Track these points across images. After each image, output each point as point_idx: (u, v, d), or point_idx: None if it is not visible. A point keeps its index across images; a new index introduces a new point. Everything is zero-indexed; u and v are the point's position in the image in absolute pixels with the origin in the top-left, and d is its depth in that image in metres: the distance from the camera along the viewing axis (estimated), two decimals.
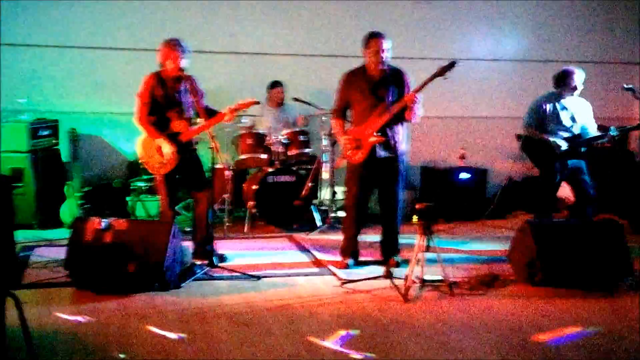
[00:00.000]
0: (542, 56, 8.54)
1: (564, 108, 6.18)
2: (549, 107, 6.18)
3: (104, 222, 4.84)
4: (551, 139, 6.11)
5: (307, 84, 7.64)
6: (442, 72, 5.12)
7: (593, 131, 6.26)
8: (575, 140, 6.16)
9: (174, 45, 5.23)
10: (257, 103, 5.53)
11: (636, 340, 4.03)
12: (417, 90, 5.18)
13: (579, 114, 6.22)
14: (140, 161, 5.58)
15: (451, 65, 5.10)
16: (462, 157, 7.89)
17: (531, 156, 6.47)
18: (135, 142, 5.43)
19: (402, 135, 5.24)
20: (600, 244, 4.99)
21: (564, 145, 6.08)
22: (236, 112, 5.39)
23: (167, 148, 5.23)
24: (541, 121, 6.19)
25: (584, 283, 4.92)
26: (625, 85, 5.88)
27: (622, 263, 5.03)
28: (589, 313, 4.48)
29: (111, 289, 4.68)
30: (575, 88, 6.13)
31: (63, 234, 6.24)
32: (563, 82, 6.16)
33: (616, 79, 7.73)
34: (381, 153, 5.36)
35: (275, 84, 7.49)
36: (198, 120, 5.42)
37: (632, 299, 4.80)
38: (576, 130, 6.20)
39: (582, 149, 6.20)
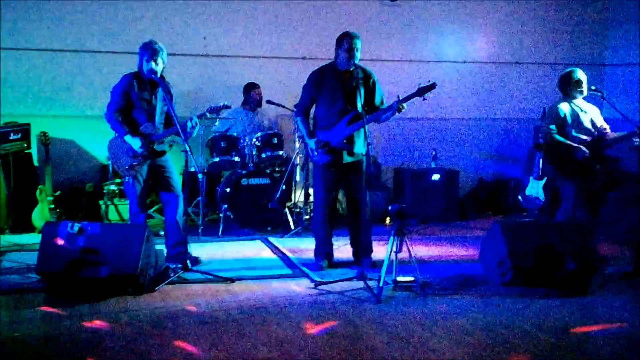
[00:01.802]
0: (511, 58, 8.67)
1: (582, 110, 6.02)
2: (567, 110, 5.98)
3: (76, 226, 4.81)
4: (574, 144, 5.90)
5: (279, 87, 7.66)
6: (421, 92, 5.15)
7: (610, 133, 6.09)
8: (599, 144, 5.96)
9: (148, 48, 5.23)
10: (228, 107, 5.53)
11: (603, 338, 4.12)
12: (400, 102, 5.20)
13: (596, 118, 6.07)
14: (109, 162, 5.56)
15: (431, 86, 5.14)
16: (434, 158, 7.96)
17: (556, 165, 6.19)
18: (108, 143, 5.42)
19: (367, 138, 5.28)
20: (569, 244, 5.08)
21: (586, 150, 5.86)
22: (203, 117, 5.38)
23: (136, 145, 5.21)
24: (561, 126, 5.99)
25: (553, 282, 5.01)
26: (591, 88, 5.94)
27: (590, 262, 5.12)
28: (559, 311, 4.56)
29: (84, 293, 4.65)
30: (580, 82, 5.95)
31: (34, 238, 6.18)
32: (568, 82, 6.00)
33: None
34: (348, 158, 5.42)
35: (254, 86, 7.48)
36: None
37: (600, 297, 4.90)
38: (597, 133, 6.02)
39: (605, 152, 6.00)
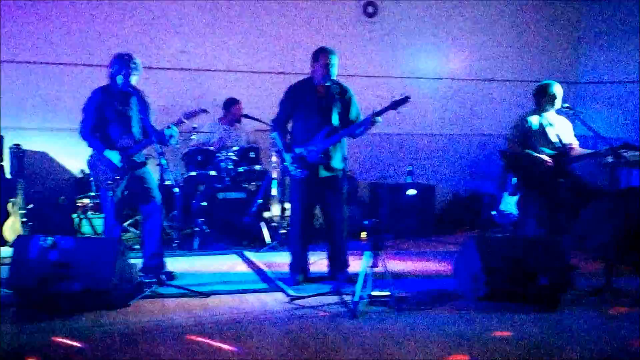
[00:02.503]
0: (486, 75, 8.78)
1: (550, 124, 6.11)
2: (534, 121, 6.08)
3: (48, 240, 4.76)
4: (534, 154, 6.00)
5: (256, 101, 7.65)
6: (395, 105, 5.18)
7: (578, 149, 6.20)
8: (563, 159, 6.07)
9: (126, 61, 5.21)
10: (206, 111, 5.51)
11: (576, 352, 4.17)
12: (374, 115, 5.24)
13: (563, 133, 6.16)
14: (84, 176, 5.52)
15: (404, 100, 5.17)
16: (410, 173, 8.01)
17: (517, 174, 6.28)
18: (86, 159, 5.39)
19: (343, 152, 5.30)
20: (542, 260, 5.13)
21: (549, 162, 5.96)
22: (181, 124, 5.37)
23: (116, 159, 5.19)
24: (525, 137, 6.09)
25: (526, 297, 5.06)
26: (564, 105, 6.03)
27: (563, 277, 5.18)
28: (531, 326, 4.60)
29: (56, 308, 4.59)
30: (555, 97, 6.04)
31: (6, 252, 6.08)
32: (544, 93, 6.09)
33: None
34: (324, 173, 5.43)
35: (235, 101, 7.47)
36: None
37: (571, 312, 4.96)
38: (562, 147, 6.12)
39: (569, 166, 6.10)
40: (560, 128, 6.18)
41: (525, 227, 6.34)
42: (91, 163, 5.37)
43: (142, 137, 5.39)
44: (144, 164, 5.40)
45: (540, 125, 6.11)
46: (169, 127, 5.23)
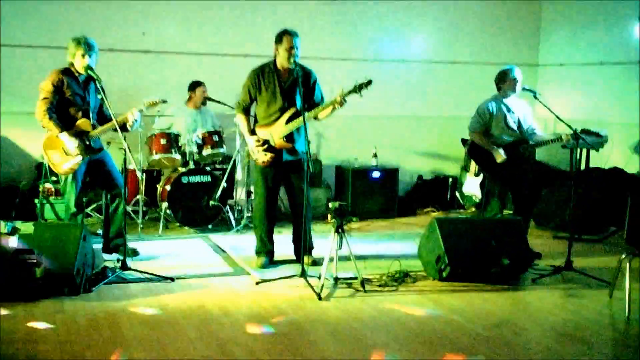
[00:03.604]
0: (447, 58, 8.82)
1: (509, 110, 6.18)
2: (495, 107, 6.15)
3: (9, 226, 4.68)
4: (493, 150, 6.10)
5: (219, 84, 7.58)
6: (358, 89, 5.17)
7: (540, 133, 6.32)
8: (523, 145, 6.18)
9: (80, 43, 5.14)
10: (164, 102, 5.48)
11: (538, 330, 4.26)
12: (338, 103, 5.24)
13: (524, 118, 6.25)
14: (45, 161, 5.45)
15: (368, 83, 5.15)
16: (374, 155, 8.05)
17: (477, 162, 6.44)
18: (41, 141, 5.30)
19: (307, 136, 5.28)
20: (504, 240, 5.22)
21: (504, 155, 6.04)
22: (141, 109, 5.32)
23: (71, 144, 5.12)
24: (487, 124, 6.18)
25: (489, 277, 5.15)
26: (525, 87, 6.11)
27: (523, 258, 5.29)
28: (493, 305, 4.69)
29: (18, 295, 4.52)
30: (515, 81, 6.11)
31: None
32: (504, 79, 6.15)
33: None
34: (288, 157, 5.44)
35: (199, 84, 7.39)
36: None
37: (532, 291, 5.07)
38: (522, 134, 6.22)
39: (527, 153, 6.23)
40: (521, 112, 6.26)
41: (489, 208, 6.44)
42: (46, 146, 5.30)
43: (100, 122, 5.34)
44: (101, 149, 5.34)
45: (501, 111, 6.19)
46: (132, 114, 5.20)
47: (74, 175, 5.27)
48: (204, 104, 7.44)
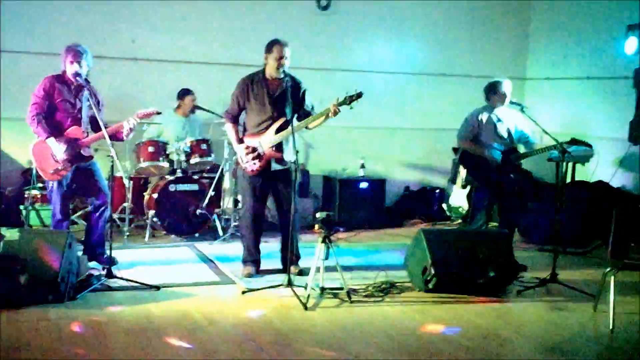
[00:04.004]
0: (436, 70, 8.88)
1: (499, 120, 6.20)
2: (485, 117, 6.17)
3: None
4: (486, 152, 6.13)
5: (208, 92, 7.59)
6: (348, 101, 5.18)
7: (533, 138, 6.35)
8: (510, 156, 6.20)
9: (68, 50, 5.14)
10: (159, 113, 5.48)
11: (523, 343, 4.28)
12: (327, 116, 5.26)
13: (514, 127, 6.27)
14: (33, 167, 5.44)
15: (358, 95, 5.17)
16: (362, 166, 8.08)
17: (469, 169, 6.45)
18: (29, 147, 5.28)
19: (295, 146, 5.28)
20: (490, 252, 5.24)
21: (498, 159, 6.09)
22: (134, 122, 5.31)
23: (59, 150, 5.11)
24: (477, 133, 6.20)
25: (474, 289, 5.16)
26: (512, 100, 6.15)
27: (509, 270, 5.31)
28: (478, 317, 4.71)
29: (1, 302, 4.47)
30: (505, 95, 6.13)
31: None
32: (493, 92, 6.18)
33: None
34: (276, 166, 5.44)
35: (188, 92, 7.39)
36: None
37: (517, 303, 5.09)
38: (512, 142, 6.24)
39: (518, 162, 6.25)
40: (511, 122, 6.30)
41: (475, 220, 6.46)
42: (34, 151, 5.28)
43: (92, 131, 5.33)
44: (91, 157, 5.33)
45: (490, 120, 6.22)
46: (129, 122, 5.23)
47: (60, 182, 5.24)
48: (192, 112, 7.44)
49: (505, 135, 6.24)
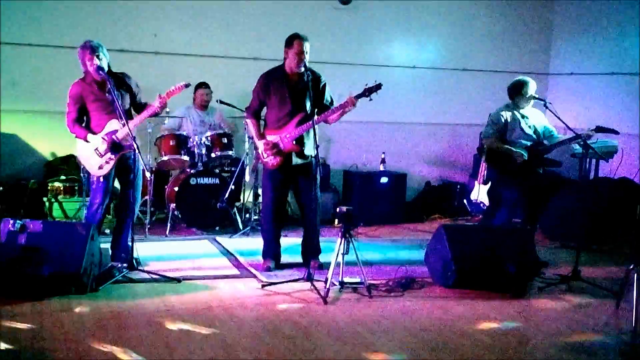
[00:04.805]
0: (458, 65, 8.83)
1: (523, 117, 6.18)
2: (508, 115, 6.14)
3: (17, 224, 4.71)
4: (513, 149, 6.09)
5: (229, 87, 7.62)
6: (368, 92, 5.19)
7: (557, 133, 6.31)
8: (538, 148, 6.16)
9: (84, 48, 5.18)
10: (188, 86, 5.45)
11: (543, 340, 4.25)
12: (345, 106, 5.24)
13: (539, 124, 6.25)
14: (81, 166, 5.57)
15: (377, 87, 5.18)
16: (383, 161, 8.06)
17: (496, 168, 6.36)
18: (75, 150, 5.43)
19: (316, 140, 5.28)
20: (510, 248, 5.21)
21: (525, 155, 6.05)
22: (167, 100, 5.32)
23: (100, 144, 5.22)
24: (502, 132, 6.17)
25: (495, 285, 5.14)
26: (535, 95, 6.09)
27: (531, 266, 5.27)
28: (499, 313, 4.68)
29: (25, 293, 4.54)
30: (530, 97, 6.12)
31: None
32: (518, 92, 6.15)
33: None
34: (297, 160, 5.44)
35: (200, 86, 7.45)
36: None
37: (538, 299, 5.05)
38: (538, 138, 6.21)
39: (545, 155, 6.20)
40: (535, 119, 6.25)
41: (497, 216, 6.41)
42: (79, 150, 5.40)
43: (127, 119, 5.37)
44: (130, 146, 5.32)
45: (514, 118, 6.17)
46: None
47: (106, 176, 5.31)
48: (204, 106, 7.46)
49: (531, 132, 6.19)
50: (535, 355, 4.02)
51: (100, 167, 5.28)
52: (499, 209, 6.36)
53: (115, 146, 5.25)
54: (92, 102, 5.25)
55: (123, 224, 5.47)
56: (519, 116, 6.17)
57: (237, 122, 7.57)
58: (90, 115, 5.32)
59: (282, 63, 5.44)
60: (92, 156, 5.28)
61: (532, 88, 6.14)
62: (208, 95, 7.44)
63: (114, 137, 5.23)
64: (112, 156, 5.28)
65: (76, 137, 5.33)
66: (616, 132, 5.84)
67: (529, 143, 6.16)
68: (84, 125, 5.32)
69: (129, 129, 5.07)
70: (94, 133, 5.28)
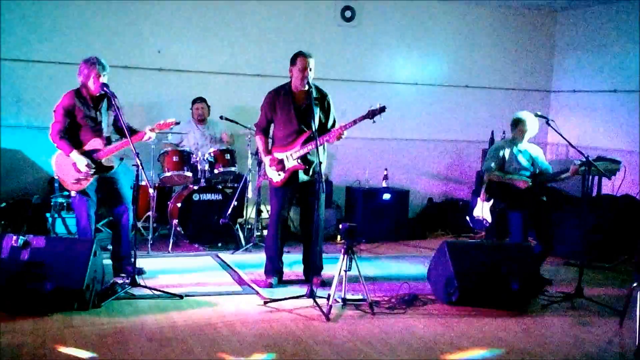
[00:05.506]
0: (461, 82, 8.86)
1: (519, 152, 6.19)
2: (507, 152, 6.17)
3: (20, 239, 4.71)
4: (515, 176, 6.09)
5: (233, 102, 7.66)
6: (371, 115, 5.22)
7: (552, 170, 6.30)
8: (538, 178, 6.16)
9: (92, 64, 5.19)
10: (177, 123, 5.51)
11: (545, 357, 4.23)
12: (346, 127, 5.26)
13: (536, 157, 6.24)
14: (56, 177, 5.55)
15: (381, 109, 5.20)
16: (385, 177, 8.06)
17: (500, 199, 6.27)
18: (52, 158, 5.39)
19: (321, 157, 5.28)
20: (513, 265, 5.20)
21: (529, 182, 6.04)
22: (154, 132, 5.37)
23: (82, 163, 5.19)
24: (501, 165, 6.18)
25: (498, 302, 5.12)
26: (537, 113, 6.11)
27: (534, 283, 5.26)
28: (502, 331, 4.66)
29: (27, 309, 4.54)
30: (526, 132, 6.12)
31: None
32: (515, 127, 6.18)
33: (529, 106, 8.03)
34: (303, 177, 5.45)
35: (195, 100, 7.47)
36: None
37: (541, 317, 5.03)
38: (536, 170, 6.21)
39: (546, 184, 6.22)
40: (533, 153, 6.25)
41: (512, 239, 6.36)
42: (56, 162, 5.39)
43: (115, 139, 5.40)
44: (111, 167, 5.37)
45: (512, 153, 6.18)
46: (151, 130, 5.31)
47: (83, 192, 5.32)
48: (202, 120, 7.48)
49: (528, 164, 6.17)
50: None
51: (76, 182, 5.27)
52: (505, 227, 6.33)
53: (96, 166, 5.25)
54: (81, 119, 5.26)
55: (119, 230, 5.51)
56: (515, 151, 6.17)
57: (239, 138, 7.57)
58: (76, 131, 5.29)
59: (289, 81, 5.46)
60: (69, 169, 5.26)
61: (530, 126, 6.12)
62: (203, 110, 7.44)
63: (95, 156, 5.24)
64: (90, 175, 5.27)
65: (59, 148, 5.29)
66: (617, 162, 5.87)
67: (528, 174, 6.15)
68: (66, 137, 5.26)
69: (110, 151, 5.14)
70: (75, 148, 5.25)
